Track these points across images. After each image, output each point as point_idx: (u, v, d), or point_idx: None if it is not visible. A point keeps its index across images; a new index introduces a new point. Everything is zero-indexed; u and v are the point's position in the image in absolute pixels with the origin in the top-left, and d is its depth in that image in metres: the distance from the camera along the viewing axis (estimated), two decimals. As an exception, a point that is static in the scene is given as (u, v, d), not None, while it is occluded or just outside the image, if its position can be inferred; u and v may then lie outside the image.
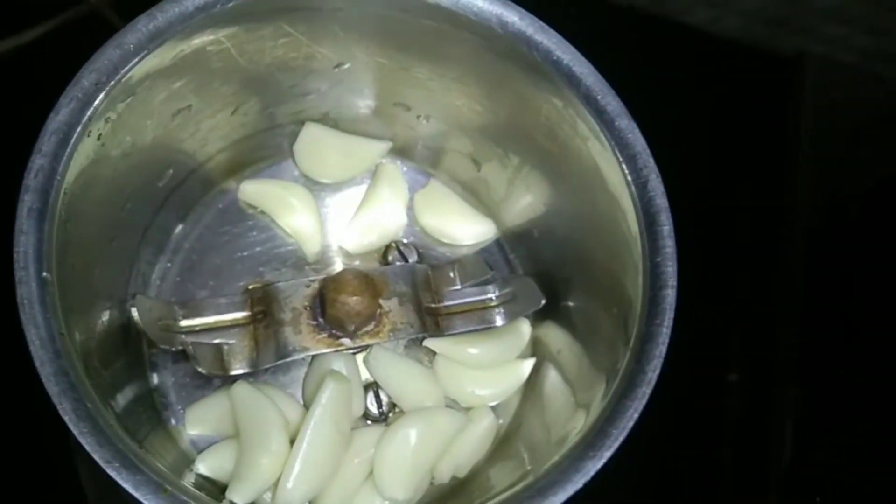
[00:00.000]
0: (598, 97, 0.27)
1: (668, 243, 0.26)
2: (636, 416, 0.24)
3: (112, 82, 0.25)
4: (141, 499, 0.20)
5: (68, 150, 0.24)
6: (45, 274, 0.22)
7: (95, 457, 0.20)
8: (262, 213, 0.35)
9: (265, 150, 0.35)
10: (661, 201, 0.26)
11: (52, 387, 0.21)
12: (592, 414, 0.26)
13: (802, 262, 0.60)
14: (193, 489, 0.22)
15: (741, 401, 0.58)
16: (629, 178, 0.27)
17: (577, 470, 0.23)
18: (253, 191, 0.35)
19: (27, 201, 0.23)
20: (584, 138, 0.29)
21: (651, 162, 0.27)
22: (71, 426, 0.20)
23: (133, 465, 0.21)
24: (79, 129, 0.24)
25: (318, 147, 0.36)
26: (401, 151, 0.37)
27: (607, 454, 0.23)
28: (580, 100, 0.28)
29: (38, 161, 0.23)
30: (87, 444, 0.20)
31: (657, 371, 0.24)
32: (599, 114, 0.27)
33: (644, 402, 0.24)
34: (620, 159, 0.27)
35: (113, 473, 0.20)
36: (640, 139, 0.27)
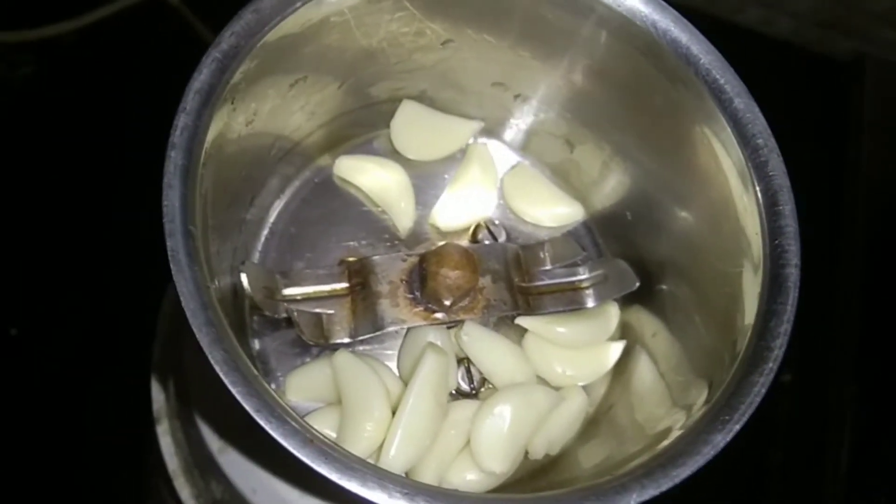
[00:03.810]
0: (718, 76, 0.28)
1: (790, 223, 0.26)
2: (763, 391, 0.24)
3: (248, 46, 0.25)
4: (290, 448, 0.21)
5: (208, 109, 0.24)
6: (190, 227, 0.22)
7: (245, 405, 0.21)
8: (357, 188, 0.36)
9: (361, 126, 0.36)
10: (782, 181, 0.26)
11: (203, 336, 0.21)
12: (696, 397, 0.26)
13: (861, 262, 0.59)
14: (333, 443, 0.22)
15: (796, 402, 0.58)
16: (748, 157, 0.27)
17: (706, 443, 0.23)
18: (348, 166, 0.35)
19: (173, 157, 0.23)
20: (697, 119, 0.29)
21: (772, 141, 0.27)
22: (222, 375, 0.21)
23: (280, 415, 0.21)
24: (217, 89, 0.24)
25: (413, 124, 0.36)
26: (492, 132, 0.37)
27: (736, 427, 0.23)
28: (698, 79, 0.28)
29: (182, 119, 0.24)
30: (238, 393, 0.21)
31: (783, 349, 0.24)
32: (718, 93, 0.28)
33: (771, 377, 0.24)
34: (739, 139, 0.27)
35: (262, 422, 0.21)
36: (761, 118, 0.27)
